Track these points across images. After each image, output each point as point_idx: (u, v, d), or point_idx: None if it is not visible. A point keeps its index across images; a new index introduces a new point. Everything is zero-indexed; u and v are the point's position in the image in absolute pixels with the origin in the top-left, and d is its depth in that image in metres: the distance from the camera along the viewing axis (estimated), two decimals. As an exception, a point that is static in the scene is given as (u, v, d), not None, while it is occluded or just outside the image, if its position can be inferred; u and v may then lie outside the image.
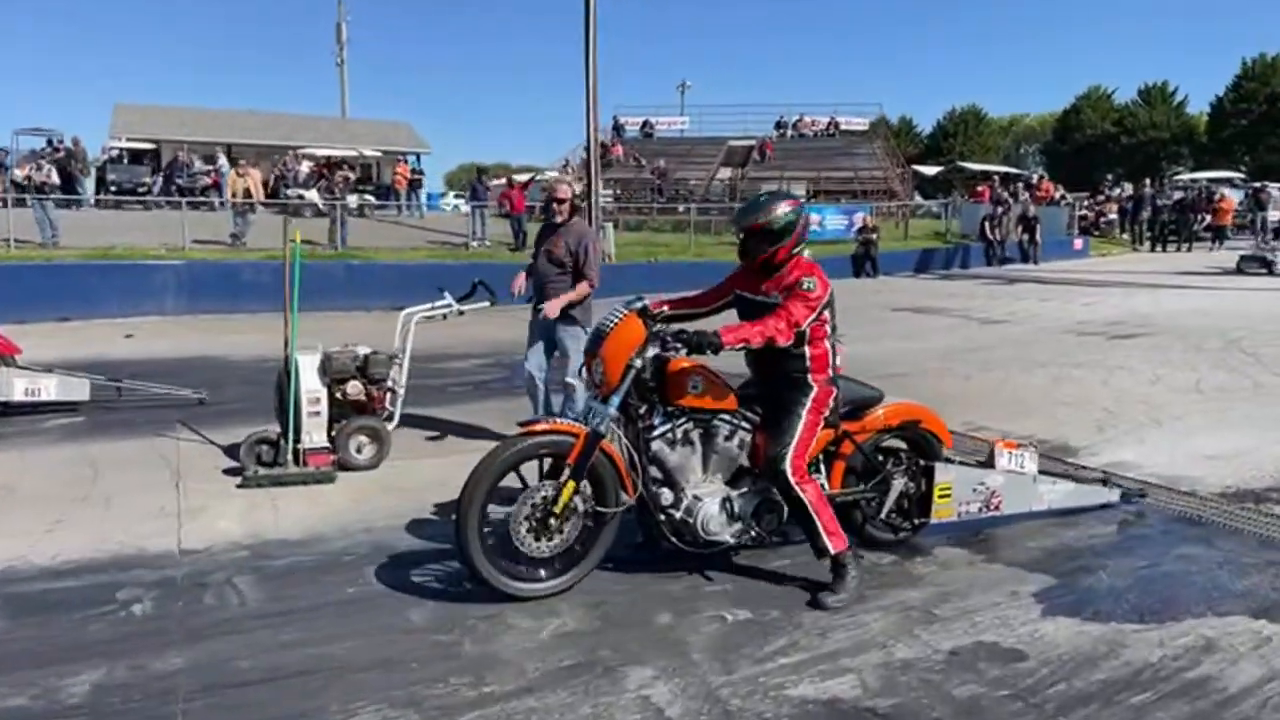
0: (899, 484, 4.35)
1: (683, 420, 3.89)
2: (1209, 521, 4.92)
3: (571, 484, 3.67)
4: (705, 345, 3.67)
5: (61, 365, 7.80)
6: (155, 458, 6.07)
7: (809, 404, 3.92)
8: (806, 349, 3.92)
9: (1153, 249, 26.09)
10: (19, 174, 19.24)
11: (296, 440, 5.48)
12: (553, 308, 5.89)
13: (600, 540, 3.84)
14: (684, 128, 37.91)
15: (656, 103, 40.40)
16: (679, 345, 3.72)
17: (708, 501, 3.88)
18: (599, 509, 3.78)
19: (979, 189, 27.57)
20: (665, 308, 4.15)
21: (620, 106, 38.58)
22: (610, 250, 20.25)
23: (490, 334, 11.20)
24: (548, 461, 3.81)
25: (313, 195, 22.36)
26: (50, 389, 6.96)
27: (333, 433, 5.66)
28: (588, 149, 20.17)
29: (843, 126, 36.34)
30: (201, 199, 21.69)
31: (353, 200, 24.44)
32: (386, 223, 23.73)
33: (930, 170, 37.71)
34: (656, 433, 3.85)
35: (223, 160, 25.16)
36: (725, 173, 32.25)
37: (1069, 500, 4.85)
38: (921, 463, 4.43)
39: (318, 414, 5.56)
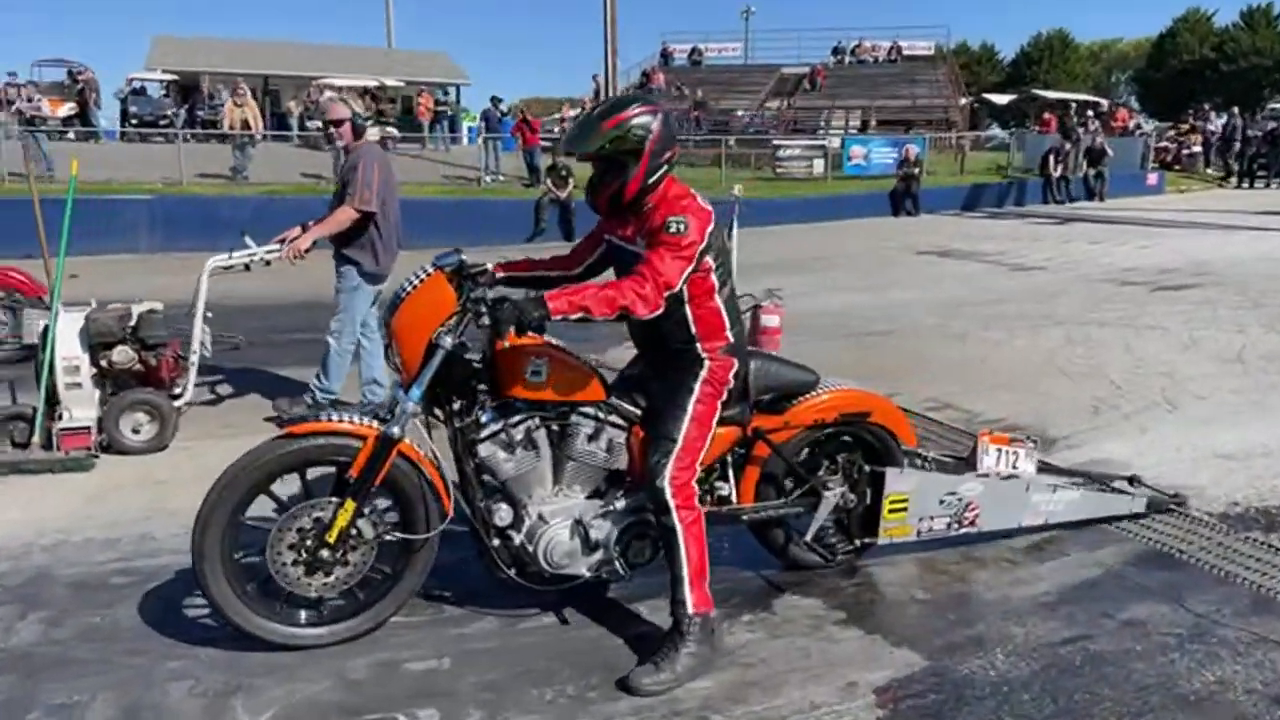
0: (833, 496, 3.40)
1: (522, 417, 2.96)
2: (1191, 560, 3.61)
3: (350, 504, 2.82)
4: (519, 319, 2.67)
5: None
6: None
7: (697, 388, 2.96)
8: (687, 309, 2.93)
9: (1238, 185, 23.46)
10: (47, 106, 18.97)
11: (50, 418, 4.51)
12: (299, 244, 4.96)
13: (411, 570, 2.99)
14: (736, 55, 35.77)
15: (718, 29, 38.08)
16: (487, 318, 2.71)
17: (555, 524, 2.99)
18: (403, 534, 2.94)
19: (1046, 118, 25.09)
20: (509, 270, 3.24)
21: (670, 33, 36.62)
22: (627, 186, 18.92)
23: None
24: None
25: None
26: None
27: (104, 407, 4.69)
28: (605, 73, 18.76)
29: (905, 51, 33.72)
30: (213, 131, 21.01)
31: (374, 133, 23.53)
32: (407, 157, 22.77)
33: (1001, 99, 34.82)
34: (485, 433, 2.94)
35: (244, 92, 24.44)
36: (774, 103, 30.21)
37: (1075, 511, 3.87)
38: (866, 468, 3.47)
39: (78, 385, 4.60)
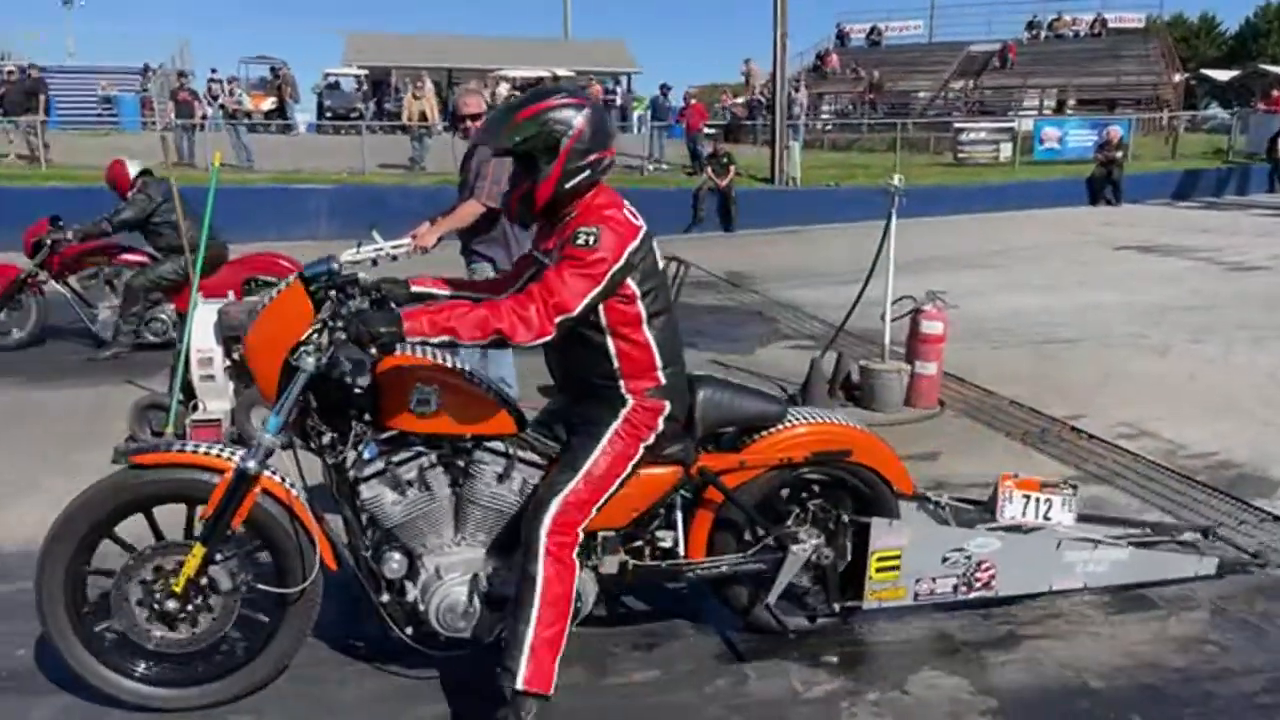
0: (802, 551, 2.89)
1: (411, 453, 2.56)
2: None
3: (199, 549, 2.45)
4: (363, 336, 2.27)
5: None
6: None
7: (611, 430, 2.54)
8: (608, 341, 2.50)
9: None
10: (249, 101, 20.55)
11: (186, 408, 4.60)
12: (425, 239, 4.72)
13: (286, 628, 2.58)
14: (918, 33, 33.92)
15: (900, 7, 36.24)
16: (340, 334, 2.33)
17: (450, 580, 2.58)
18: (267, 587, 2.55)
19: (1274, 95, 22.17)
20: (432, 285, 2.76)
21: (847, 13, 35.17)
22: (795, 173, 18.27)
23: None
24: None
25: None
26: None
27: (238, 399, 4.73)
28: (774, 56, 18.09)
29: (1111, 24, 30.81)
30: (395, 123, 21.96)
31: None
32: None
33: (1223, 75, 31.23)
34: (368, 471, 2.53)
35: (428, 84, 25.46)
36: (959, 83, 28.39)
37: (1123, 573, 3.25)
38: (845, 519, 2.88)
39: (210, 378, 4.64)
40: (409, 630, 2.58)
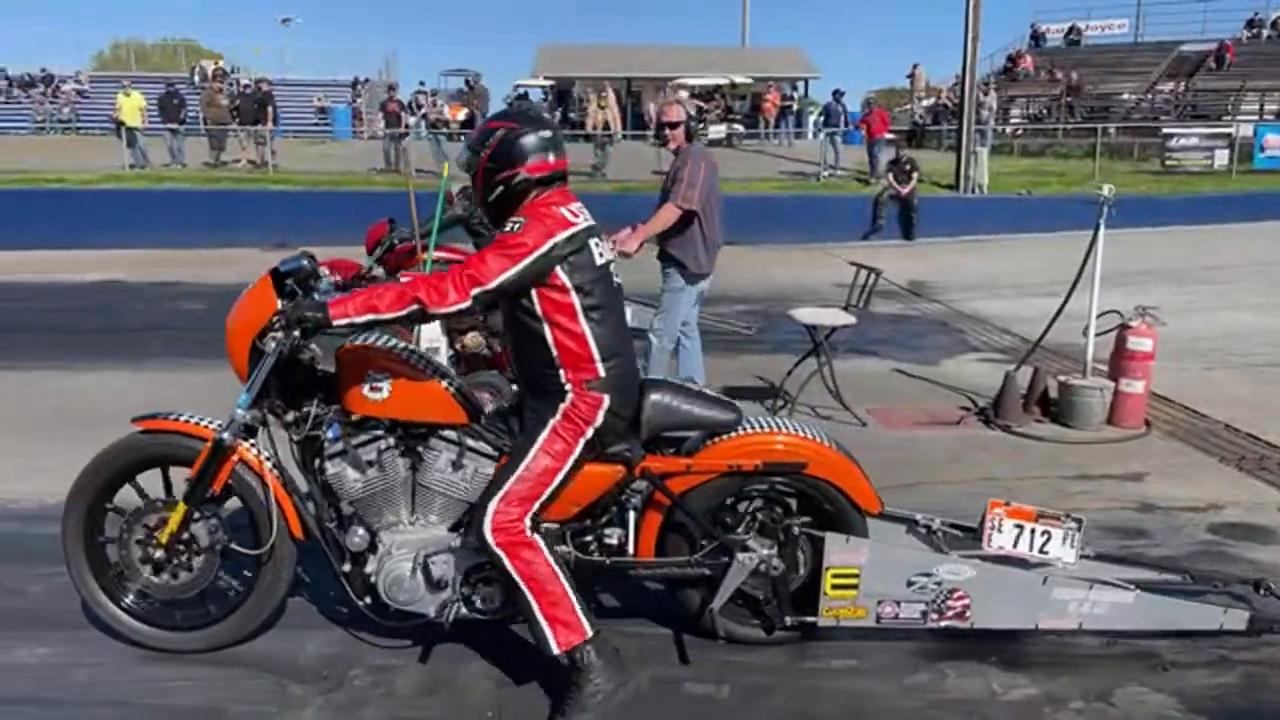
0: (748, 560, 2.87)
1: (370, 436, 2.76)
2: None
3: (181, 507, 2.80)
4: (298, 319, 2.55)
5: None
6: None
7: (552, 422, 2.66)
8: (546, 330, 2.64)
9: None
10: (449, 111, 22.01)
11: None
12: (627, 245, 4.98)
13: (259, 585, 2.89)
14: (1122, 32, 31.78)
15: (1100, 4, 34.02)
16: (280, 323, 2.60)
17: (397, 558, 2.77)
18: (238, 547, 2.87)
19: None
20: None
21: (1043, 11, 33.42)
22: (982, 179, 17.66)
23: (777, 274, 10.12)
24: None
25: (680, 125, 22.41)
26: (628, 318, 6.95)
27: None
28: (964, 58, 17.54)
29: (1354, 17, 27.78)
30: (578, 132, 22.82)
31: (719, 130, 24.23)
32: (749, 152, 23.14)
33: None
34: (332, 449, 2.77)
35: (609, 94, 26.27)
36: (1168, 85, 26.42)
37: (1125, 618, 2.96)
38: (797, 531, 2.91)
39: (435, 366, 5.08)
40: (366, 600, 2.79)
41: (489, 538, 2.56)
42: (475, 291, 2.50)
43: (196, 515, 2.81)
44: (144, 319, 8.60)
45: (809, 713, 2.69)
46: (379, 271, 6.46)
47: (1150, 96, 25.99)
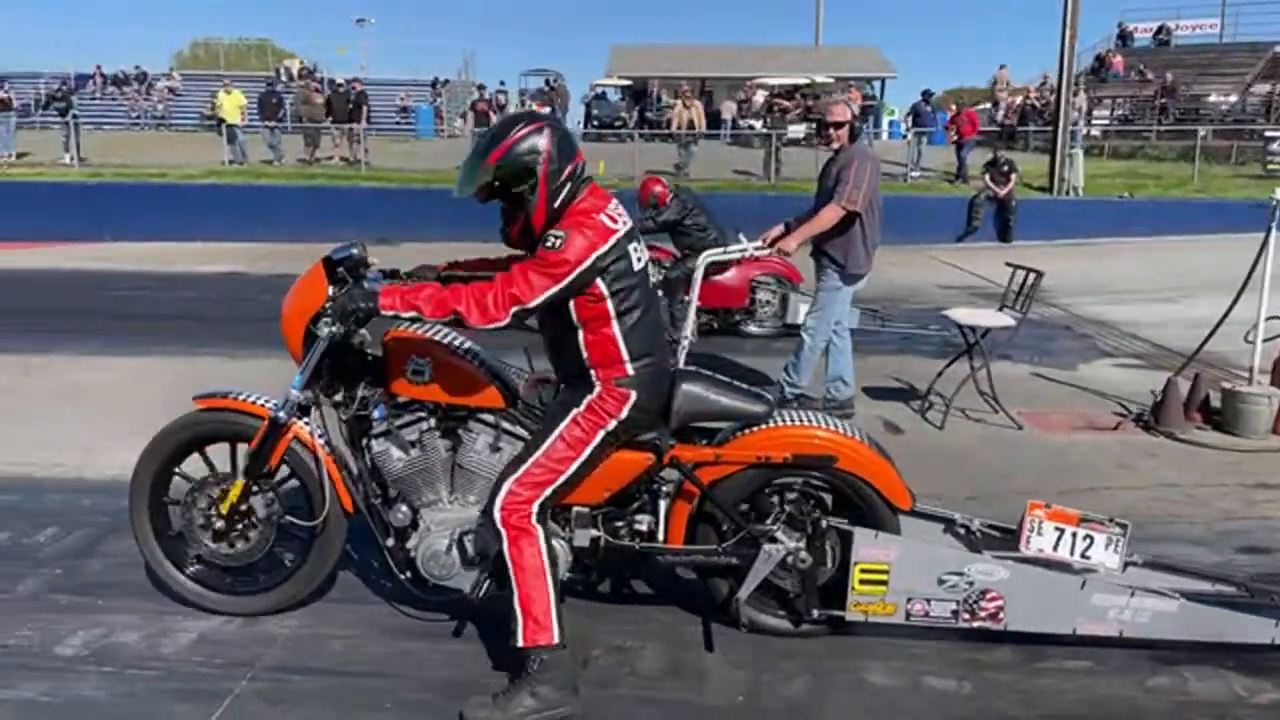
0: (775, 551, 2.90)
1: (413, 417, 2.90)
2: None
3: (240, 481, 2.98)
4: (351, 309, 2.66)
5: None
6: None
7: (576, 411, 2.71)
8: (579, 335, 2.68)
9: None
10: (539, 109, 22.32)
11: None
12: (786, 244, 5.09)
13: (312, 557, 3.06)
14: (1214, 32, 30.80)
15: (1184, 2, 33.03)
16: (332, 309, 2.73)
17: (435, 534, 2.89)
18: (292, 519, 3.05)
19: None
20: (457, 268, 3.09)
21: (1130, 10, 32.51)
22: (1077, 181, 17.31)
23: (880, 275, 9.93)
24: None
25: (760, 126, 22.37)
26: None
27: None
28: (1061, 56, 17.20)
29: None
30: (666, 132, 22.90)
31: (798, 130, 24.08)
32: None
33: None
34: (377, 429, 2.91)
35: (682, 93, 26.28)
36: (1264, 87, 25.53)
37: (1168, 627, 2.89)
38: (825, 524, 2.92)
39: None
40: (407, 574, 2.92)
41: (496, 515, 2.64)
42: (515, 310, 2.53)
43: (254, 489, 2.99)
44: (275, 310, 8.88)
45: (1052, 713, 2.70)
46: None
47: (1244, 98, 25.16)
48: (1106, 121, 25.35)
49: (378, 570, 3.31)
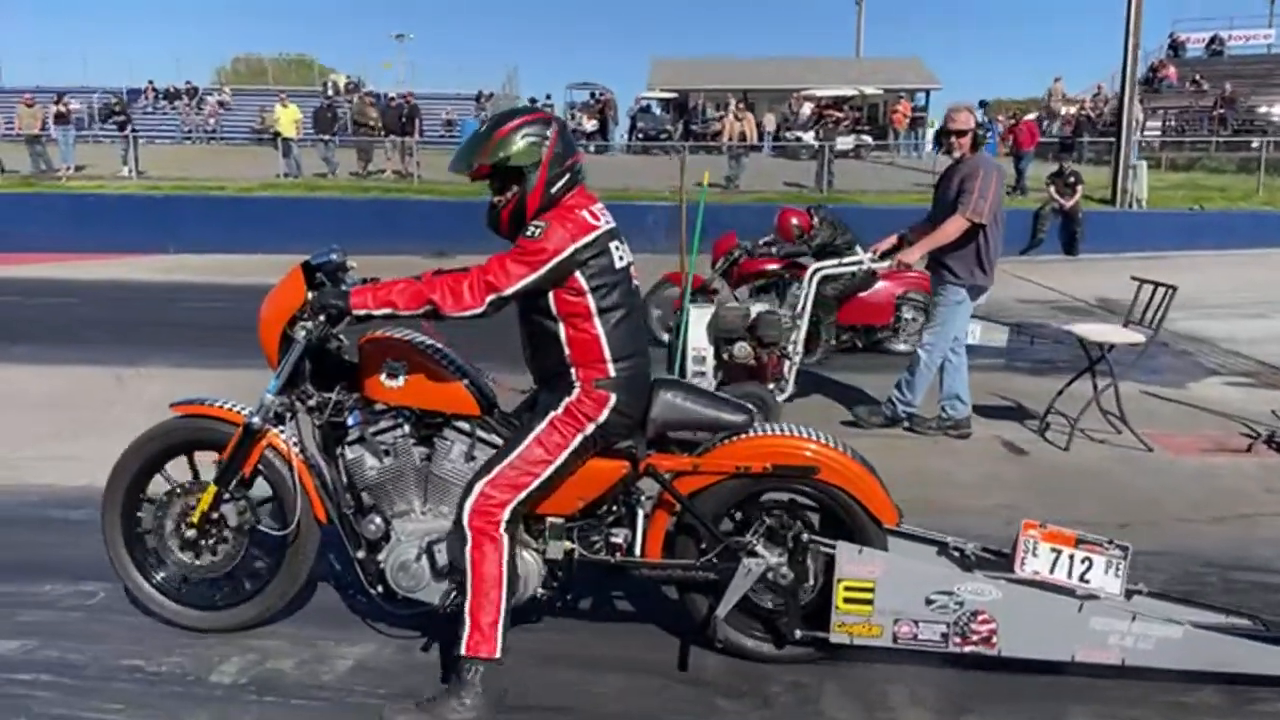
0: (755, 565, 2.78)
1: (389, 424, 2.83)
2: None
3: (211, 489, 2.89)
4: (321, 306, 2.66)
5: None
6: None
7: (550, 417, 2.66)
8: (561, 328, 2.64)
9: None
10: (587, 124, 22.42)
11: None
12: (907, 256, 5.03)
13: (283, 569, 2.96)
14: (1269, 42, 30.25)
15: (1236, 12, 32.54)
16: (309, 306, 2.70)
17: (405, 544, 2.79)
18: (263, 528, 2.95)
19: None
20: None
21: (1180, 20, 32.02)
22: (1141, 194, 16.95)
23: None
24: None
25: (809, 137, 22.22)
26: (975, 333, 6.05)
27: (718, 397, 5.12)
28: (1123, 68, 16.90)
29: None
30: (711, 144, 22.83)
31: (848, 141, 23.89)
32: (881, 164, 22.73)
33: None
34: (352, 436, 2.83)
35: (734, 105, 26.21)
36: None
37: (1173, 655, 2.71)
38: (806, 538, 2.79)
39: (702, 374, 5.08)
40: (379, 588, 2.82)
41: (465, 516, 2.58)
42: (491, 298, 2.53)
43: (226, 496, 2.90)
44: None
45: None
46: (719, 284, 6.50)
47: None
48: (1158, 132, 24.93)
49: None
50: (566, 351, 2.64)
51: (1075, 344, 6.35)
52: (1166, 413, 5.94)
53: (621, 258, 2.68)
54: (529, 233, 2.54)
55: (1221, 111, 22.68)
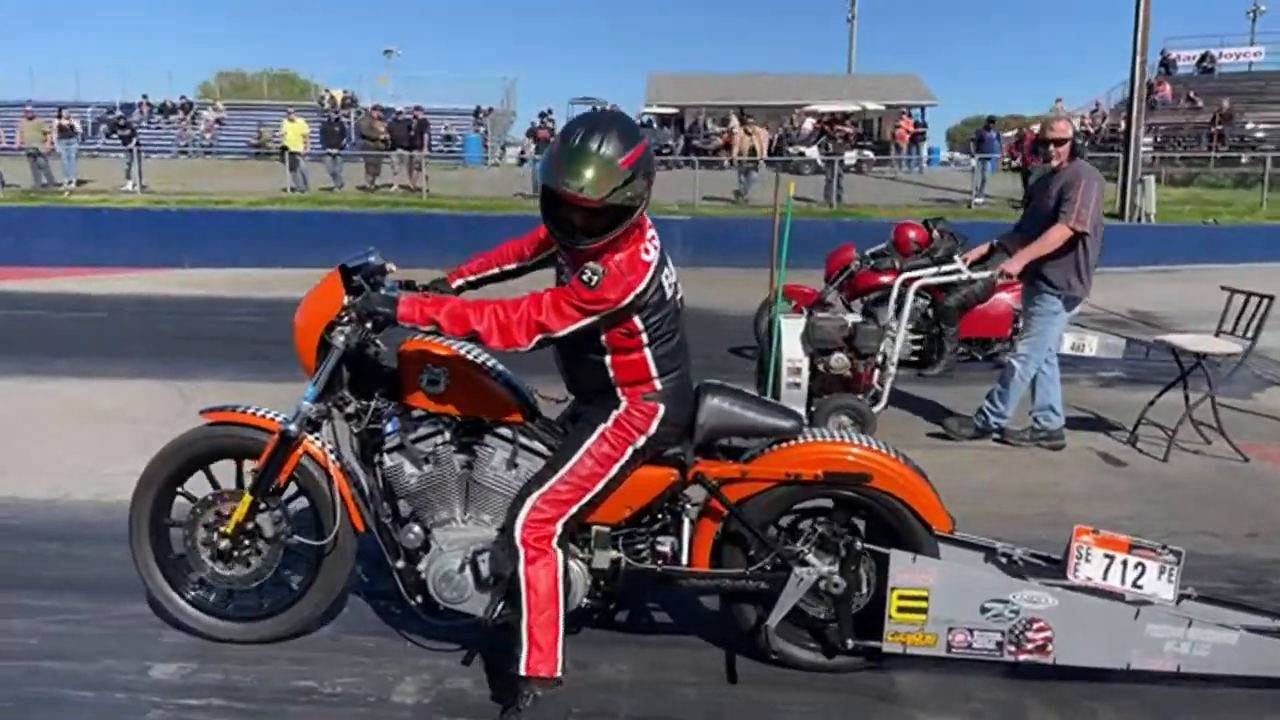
0: (807, 575, 2.72)
1: (428, 430, 2.76)
2: None
3: (247, 498, 2.79)
4: (369, 313, 2.55)
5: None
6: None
7: (600, 430, 2.58)
8: (608, 358, 2.56)
9: None
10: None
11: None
12: (1010, 267, 4.95)
13: (320, 578, 2.88)
14: (1258, 59, 30.79)
15: (1219, 32, 33.18)
16: (353, 311, 2.61)
17: (448, 554, 2.72)
18: (300, 538, 2.88)
19: None
20: (462, 275, 2.97)
21: (1171, 39, 32.56)
22: (1149, 209, 17.13)
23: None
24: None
25: (812, 152, 22.32)
26: (1092, 345, 5.97)
27: (812, 408, 5.07)
28: (1131, 82, 17.11)
29: None
30: (713, 159, 22.88)
31: (851, 156, 24.02)
32: (884, 179, 22.89)
33: None
34: (390, 443, 2.76)
35: (734, 121, 26.30)
36: (1316, 113, 25.43)
37: (1229, 661, 2.69)
38: (859, 546, 2.72)
39: (797, 385, 5.02)
40: (418, 598, 2.74)
41: (517, 533, 2.50)
42: (539, 339, 2.43)
43: (262, 506, 2.81)
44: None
45: None
46: (831, 297, 6.41)
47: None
48: (1149, 149, 25.26)
49: (715, 612, 3.08)
50: (611, 374, 2.57)
51: (1142, 355, 6.43)
52: (1244, 423, 5.93)
53: (670, 284, 2.58)
54: (585, 278, 2.38)
55: (1220, 128, 22.98)
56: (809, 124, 25.58)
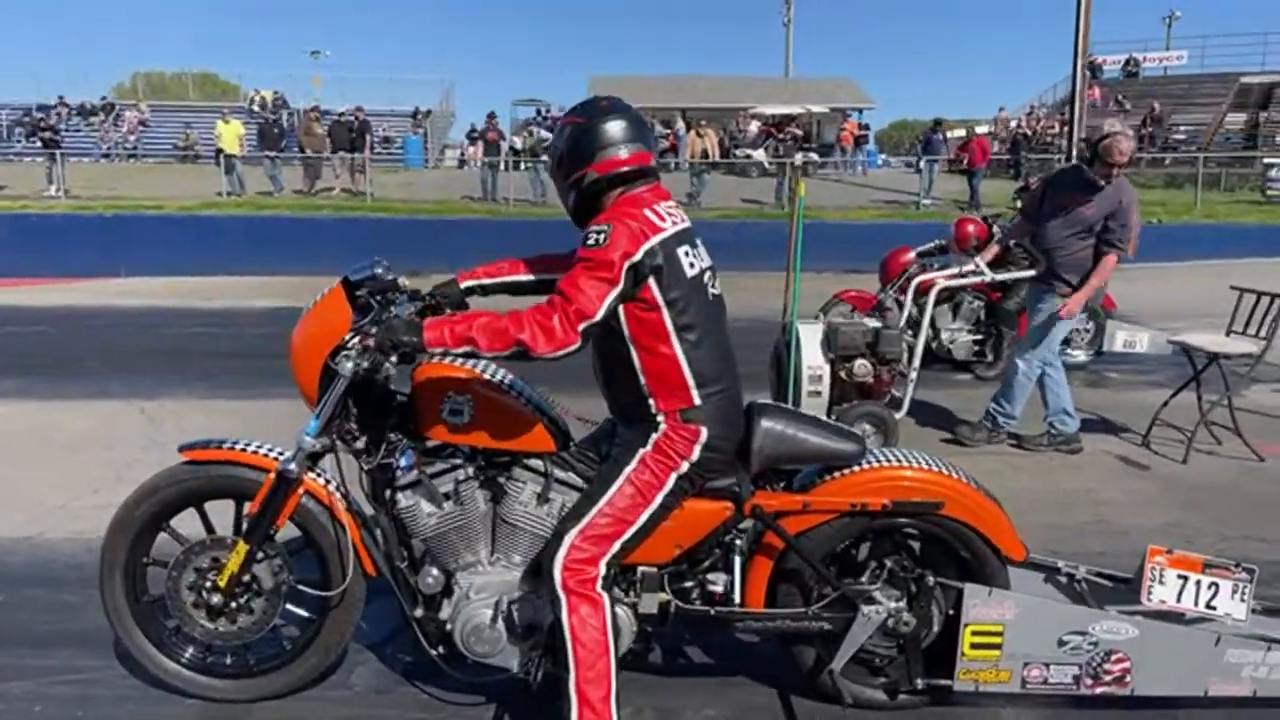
0: (876, 614, 2.53)
1: (448, 465, 2.47)
2: None
3: (242, 546, 2.47)
4: (393, 344, 2.25)
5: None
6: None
7: (638, 457, 2.34)
8: (633, 353, 2.31)
9: None
10: (518, 141, 21.94)
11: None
12: (1070, 308, 4.90)
13: (327, 630, 2.59)
14: (1180, 63, 31.98)
15: (1138, 38, 34.46)
16: (370, 339, 2.30)
17: (476, 603, 2.44)
18: (307, 588, 2.58)
19: None
20: (474, 277, 2.69)
21: (1099, 44, 33.61)
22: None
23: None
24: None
25: (759, 155, 22.38)
26: (1142, 341, 5.91)
27: (832, 416, 4.90)
28: (1072, 86, 17.52)
29: None
30: (660, 161, 22.71)
31: (797, 158, 24.16)
32: (829, 181, 23.06)
33: None
34: (404, 480, 2.46)
35: (680, 124, 26.21)
36: (1239, 117, 26.52)
37: None
38: (931, 581, 2.55)
39: (818, 394, 4.85)
40: (440, 649, 2.49)
41: (557, 574, 2.25)
42: (583, 327, 2.19)
43: (260, 555, 2.51)
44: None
45: None
46: (892, 303, 6.16)
47: (1222, 128, 26.07)
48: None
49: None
50: (642, 380, 2.32)
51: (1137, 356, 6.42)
52: (1244, 422, 5.96)
53: (693, 264, 2.32)
54: (590, 241, 2.20)
55: (1150, 130, 23.73)
56: (754, 127, 25.67)
